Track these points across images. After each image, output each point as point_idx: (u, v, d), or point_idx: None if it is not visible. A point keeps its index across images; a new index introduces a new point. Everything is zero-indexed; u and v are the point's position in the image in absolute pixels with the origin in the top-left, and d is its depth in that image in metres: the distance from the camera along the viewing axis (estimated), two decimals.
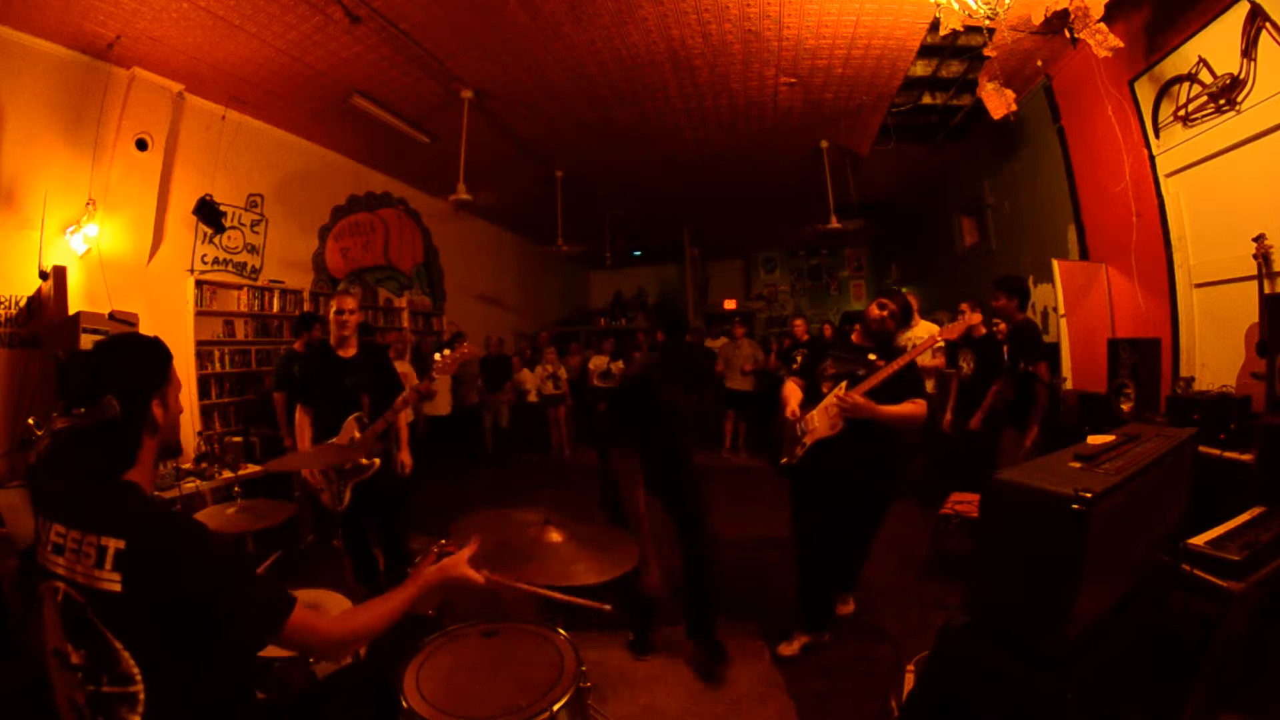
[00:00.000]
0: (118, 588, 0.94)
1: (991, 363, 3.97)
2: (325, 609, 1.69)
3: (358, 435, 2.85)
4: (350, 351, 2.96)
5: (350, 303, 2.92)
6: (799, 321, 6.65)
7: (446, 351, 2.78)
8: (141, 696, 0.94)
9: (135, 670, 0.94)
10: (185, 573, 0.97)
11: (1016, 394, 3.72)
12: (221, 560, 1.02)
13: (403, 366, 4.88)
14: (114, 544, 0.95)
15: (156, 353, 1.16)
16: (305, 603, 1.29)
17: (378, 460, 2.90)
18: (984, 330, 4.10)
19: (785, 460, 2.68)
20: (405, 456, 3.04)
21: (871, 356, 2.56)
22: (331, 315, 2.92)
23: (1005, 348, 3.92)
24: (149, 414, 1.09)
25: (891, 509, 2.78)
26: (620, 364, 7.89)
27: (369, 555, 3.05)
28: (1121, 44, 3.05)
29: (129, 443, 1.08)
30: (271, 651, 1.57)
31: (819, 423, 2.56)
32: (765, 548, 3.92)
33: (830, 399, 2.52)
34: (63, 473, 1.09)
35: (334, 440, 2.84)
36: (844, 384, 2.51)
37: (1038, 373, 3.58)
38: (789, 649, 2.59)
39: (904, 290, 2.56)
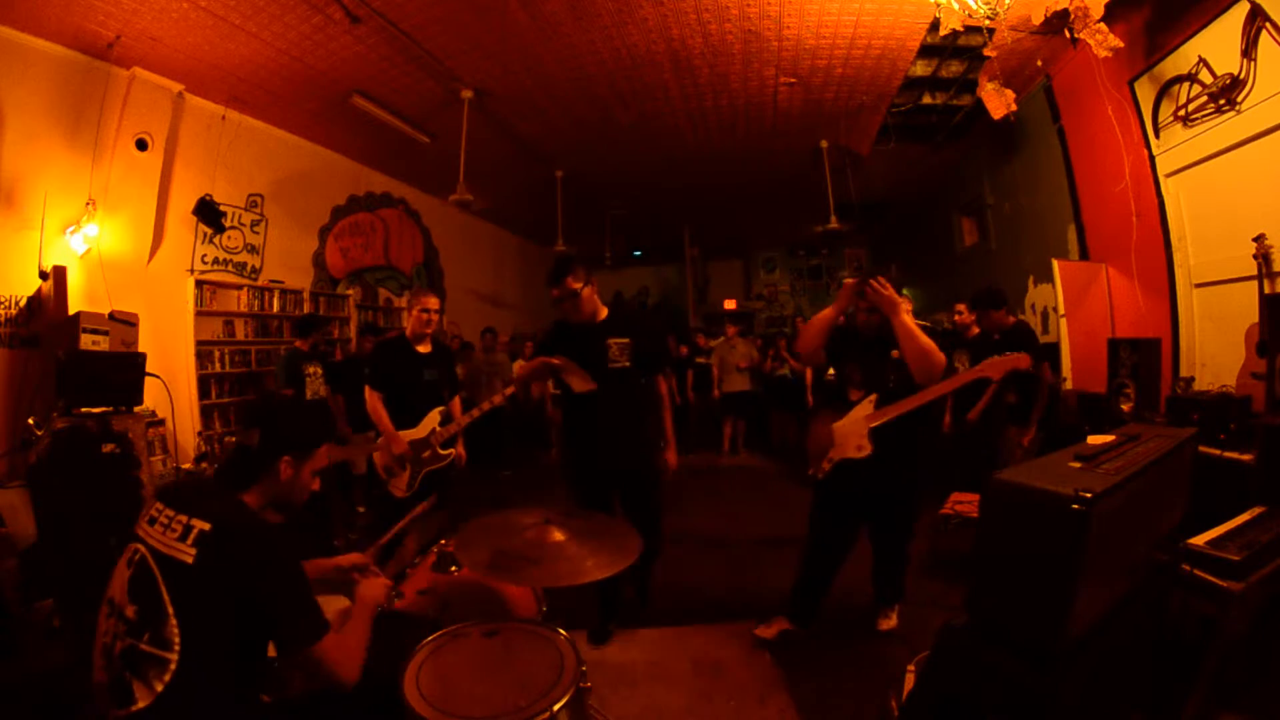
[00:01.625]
0: (189, 560, 1.08)
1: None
2: (326, 610, 1.69)
3: (439, 429, 3.05)
4: (427, 347, 3.14)
5: (435, 302, 3.11)
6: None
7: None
8: (172, 666, 1.03)
9: (176, 637, 1.04)
10: (255, 568, 1.12)
11: (1018, 394, 3.72)
12: (290, 569, 1.18)
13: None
14: (200, 525, 1.11)
15: (315, 429, 1.40)
16: None
17: (452, 451, 3.12)
18: (977, 330, 4.11)
19: (812, 472, 2.62)
20: (460, 450, 3.22)
21: (895, 354, 2.42)
22: (416, 313, 3.07)
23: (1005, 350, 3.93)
24: (277, 464, 1.29)
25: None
26: None
27: (399, 546, 3.08)
28: (1121, 44, 3.06)
29: (251, 472, 1.28)
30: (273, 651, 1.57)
31: (845, 439, 2.45)
32: (763, 548, 3.92)
33: (859, 416, 2.43)
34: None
35: (414, 431, 3.01)
36: (874, 398, 2.41)
37: (1040, 372, 3.58)
38: (767, 631, 2.61)
39: (878, 277, 2.39)
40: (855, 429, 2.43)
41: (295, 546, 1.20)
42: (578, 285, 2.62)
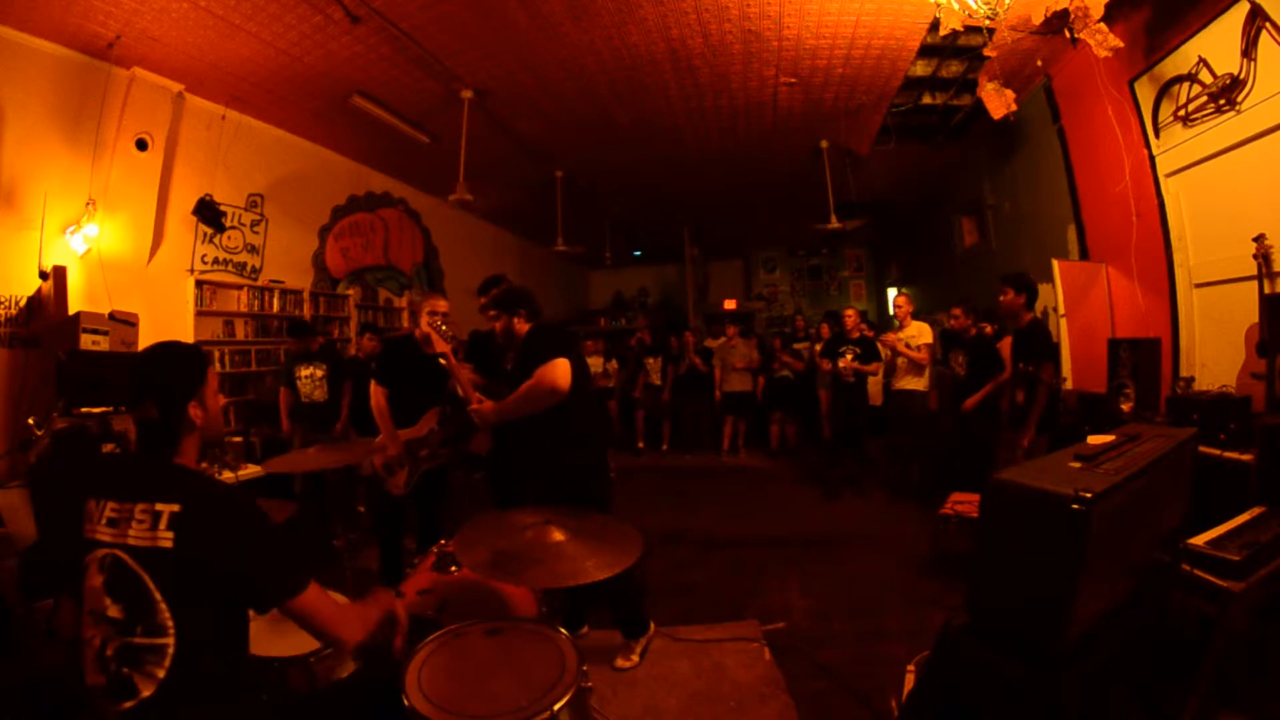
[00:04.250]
0: (170, 544, 1.08)
1: (986, 362, 3.98)
2: None
3: (437, 429, 3.07)
4: (433, 349, 3.10)
5: (443, 305, 3.09)
6: (850, 312, 5.64)
7: None
8: (170, 651, 1.06)
9: (169, 622, 1.07)
10: (233, 533, 1.13)
11: (1026, 395, 3.71)
12: (263, 525, 1.19)
13: None
14: (169, 508, 1.10)
15: (192, 360, 1.30)
16: None
17: (448, 451, 3.14)
18: (975, 331, 4.13)
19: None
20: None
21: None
22: (425, 315, 3.05)
23: (999, 346, 3.97)
24: (186, 415, 1.23)
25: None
26: (615, 364, 7.87)
27: (400, 548, 3.10)
28: (1121, 44, 3.05)
29: (169, 437, 1.23)
30: (273, 650, 1.57)
31: None
32: (764, 547, 3.92)
33: None
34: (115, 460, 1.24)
35: (412, 430, 3.02)
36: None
37: (1040, 374, 3.58)
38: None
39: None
40: None
41: (257, 503, 1.22)
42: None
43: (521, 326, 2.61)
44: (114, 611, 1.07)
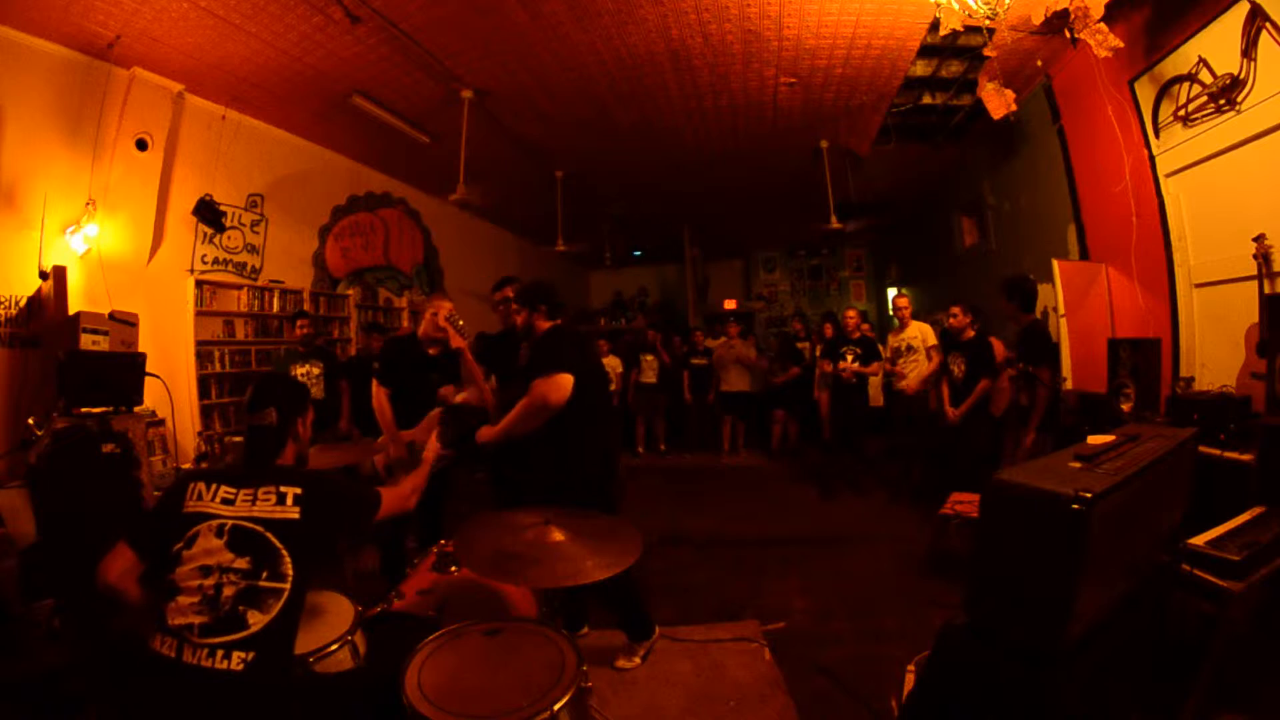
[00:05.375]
0: (297, 516, 1.40)
1: (982, 365, 3.99)
2: (326, 610, 1.70)
3: (440, 429, 3.01)
4: (436, 350, 3.11)
5: (449, 307, 3.08)
6: (851, 313, 5.65)
7: None
8: (285, 593, 1.33)
9: (290, 570, 1.34)
10: (339, 506, 1.54)
11: (1030, 397, 3.73)
12: (351, 491, 1.62)
13: None
14: (292, 490, 1.42)
15: (304, 390, 1.78)
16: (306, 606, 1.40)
17: (452, 452, 3.07)
18: (972, 333, 4.13)
19: None
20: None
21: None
22: (429, 316, 3.04)
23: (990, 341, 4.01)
24: (295, 427, 1.61)
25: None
26: (617, 361, 7.85)
27: (402, 549, 3.10)
28: (1121, 44, 3.05)
29: (280, 441, 1.57)
30: None
31: None
32: (763, 548, 3.92)
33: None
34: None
35: (414, 431, 2.99)
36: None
37: (1039, 376, 3.58)
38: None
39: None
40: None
41: (340, 476, 1.66)
42: (510, 294, 3.04)
43: (542, 324, 2.57)
44: (241, 563, 1.32)
